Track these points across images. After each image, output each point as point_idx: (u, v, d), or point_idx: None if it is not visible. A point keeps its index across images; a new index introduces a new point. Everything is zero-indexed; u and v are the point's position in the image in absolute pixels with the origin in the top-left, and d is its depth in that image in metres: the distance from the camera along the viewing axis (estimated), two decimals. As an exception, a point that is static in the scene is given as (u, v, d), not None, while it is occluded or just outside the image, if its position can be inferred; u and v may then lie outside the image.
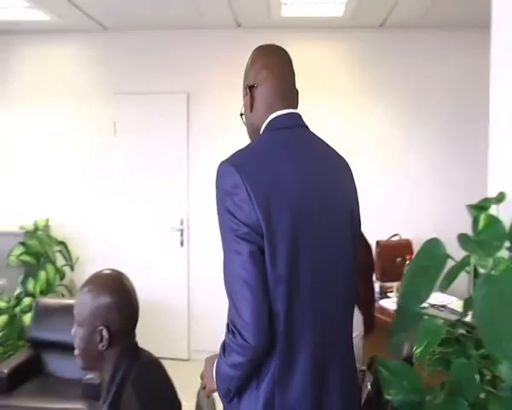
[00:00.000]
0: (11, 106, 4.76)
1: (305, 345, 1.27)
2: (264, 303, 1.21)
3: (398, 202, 4.46)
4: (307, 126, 1.43)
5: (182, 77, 4.55)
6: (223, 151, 4.52)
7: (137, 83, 4.59)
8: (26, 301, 4.08)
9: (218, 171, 1.33)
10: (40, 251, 4.32)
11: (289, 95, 1.41)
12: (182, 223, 4.54)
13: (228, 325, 1.27)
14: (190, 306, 4.52)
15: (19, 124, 4.75)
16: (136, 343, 1.49)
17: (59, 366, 3.24)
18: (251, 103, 1.41)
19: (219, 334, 3.53)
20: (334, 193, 1.36)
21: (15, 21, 4.40)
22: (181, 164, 4.53)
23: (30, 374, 3.17)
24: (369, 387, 1.80)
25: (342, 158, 1.48)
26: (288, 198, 1.25)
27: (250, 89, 1.40)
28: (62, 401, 2.82)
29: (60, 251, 4.49)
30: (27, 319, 3.90)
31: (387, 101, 4.49)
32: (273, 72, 1.39)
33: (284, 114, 1.37)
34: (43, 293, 4.17)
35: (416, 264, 1.43)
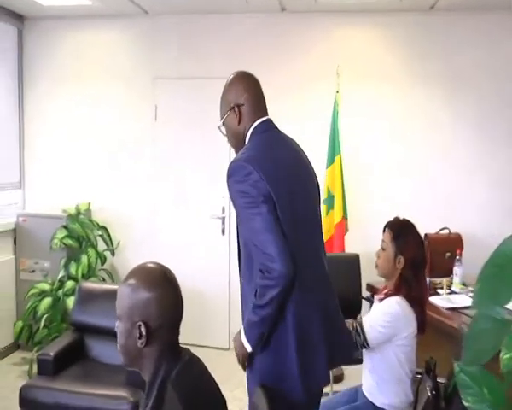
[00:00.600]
0: (54, 91, 4.79)
1: (308, 274, 1.78)
2: (285, 241, 1.68)
3: (447, 194, 4.30)
4: (276, 128, 1.96)
5: (224, 62, 4.46)
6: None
7: (178, 68, 4.55)
8: (69, 284, 4.14)
9: (231, 167, 1.77)
10: (82, 235, 4.36)
11: (263, 107, 1.93)
12: (223, 211, 4.49)
13: (260, 271, 1.68)
14: (231, 295, 4.48)
15: (62, 108, 4.78)
16: (177, 342, 1.42)
17: (102, 351, 3.27)
18: (239, 118, 1.87)
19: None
20: (308, 170, 1.97)
21: (58, 6, 4.42)
22: (223, 150, 4.45)
23: (74, 358, 3.21)
24: (429, 393, 1.71)
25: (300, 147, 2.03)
26: (285, 174, 1.80)
27: (238, 107, 1.86)
28: (105, 388, 2.83)
29: (101, 235, 4.52)
30: (70, 302, 3.96)
31: (433, 87, 4.30)
32: (251, 93, 1.89)
33: (263, 121, 1.90)
34: (85, 277, 4.21)
35: (492, 265, 1.32)
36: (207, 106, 4.43)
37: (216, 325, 4.45)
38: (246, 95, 1.88)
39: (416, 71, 4.29)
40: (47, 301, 4.08)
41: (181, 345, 1.43)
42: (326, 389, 3.58)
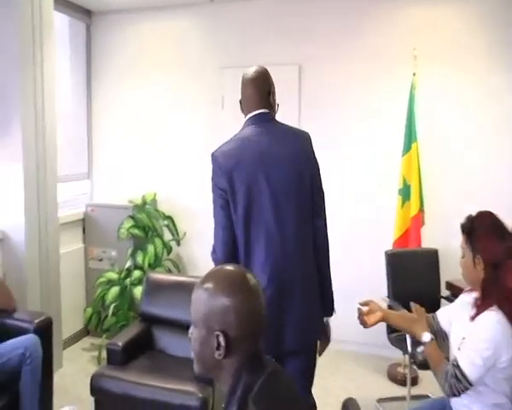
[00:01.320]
0: (120, 84, 4.81)
1: (258, 256, 2.03)
2: (229, 234, 2.06)
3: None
4: (272, 119, 2.18)
5: (293, 48, 4.30)
6: (335, 124, 4.28)
7: (245, 56, 4.41)
8: (136, 273, 4.14)
9: (211, 157, 2.14)
10: (148, 225, 4.35)
11: (261, 101, 2.14)
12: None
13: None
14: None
15: (128, 101, 4.79)
16: (260, 354, 1.26)
17: (170, 343, 3.22)
18: (241, 107, 2.23)
19: (338, 321, 3.31)
20: (285, 159, 2.06)
21: (125, 0, 4.42)
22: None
23: (142, 348, 3.18)
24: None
25: (300, 134, 2.21)
26: (245, 170, 2.03)
27: (242, 98, 2.20)
28: (174, 382, 2.76)
29: (167, 226, 4.50)
30: (137, 291, 3.97)
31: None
32: (251, 88, 2.17)
33: (256, 114, 2.14)
34: (152, 266, 4.20)
35: None
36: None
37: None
38: (246, 90, 2.19)
39: (498, 55, 3.92)
40: (114, 289, 4.11)
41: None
42: (403, 392, 3.41)
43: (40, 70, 3.62)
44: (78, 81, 4.84)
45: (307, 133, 2.22)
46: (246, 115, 2.19)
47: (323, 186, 2.19)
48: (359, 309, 2.15)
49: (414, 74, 3.83)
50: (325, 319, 2.22)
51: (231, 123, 4.43)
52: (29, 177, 3.56)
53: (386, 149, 4.13)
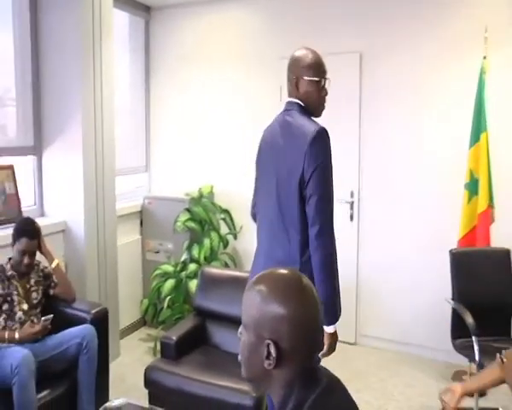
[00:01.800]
0: (178, 77, 4.82)
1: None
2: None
3: None
4: (289, 110, 2.17)
5: (354, 36, 4.13)
6: (397, 113, 4.07)
7: (303, 45, 4.27)
8: (191, 266, 4.14)
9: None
10: (205, 218, 4.33)
11: (288, 89, 2.20)
12: (352, 195, 4.18)
13: None
14: (359, 286, 4.19)
15: (185, 94, 4.79)
16: (314, 366, 1.15)
17: (224, 339, 3.18)
18: None
19: (389, 320, 3.13)
20: (280, 153, 2.13)
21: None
22: (352, 130, 4.15)
23: (196, 343, 3.16)
24: None
25: (303, 131, 2.06)
26: (262, 149, 2.30)
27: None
28: (228, 379, 2.70)
29: (223, 219, 4.47)
30: (192, 284, 3.95)
31: None
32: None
33: (286, 101, 2.21)
34: (207, 260, 4.18)
35: None
36: (335, 84, 4.14)
37: (342, 317, 4.19)
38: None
39: None
40: (170, 282, 4.13)
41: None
42: (470, 404, 3.19)
43: (99, 66, 3.68)
44: (137, 76, 4.90)
45: (313, 133, 2.01)
46: None
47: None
48: (443, 402, 1.93)
49: (484, 58, 3.57)
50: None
51: (289, 115, 4.36)
52: (88, 170, 3.63)
53: (452, 140, 3.88)
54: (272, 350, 1.09)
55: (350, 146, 4.17)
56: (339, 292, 2.14)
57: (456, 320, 3.18)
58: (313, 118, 2.14)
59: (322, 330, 1.14)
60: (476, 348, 2.73)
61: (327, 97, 2.19)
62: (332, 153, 2.07)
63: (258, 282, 1.16)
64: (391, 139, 4.04)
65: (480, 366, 2.81)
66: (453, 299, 3.27)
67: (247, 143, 4.56)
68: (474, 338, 2.83)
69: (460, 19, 3.82)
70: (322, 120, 4.22)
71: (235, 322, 3.01)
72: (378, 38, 4.06)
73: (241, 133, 4.59)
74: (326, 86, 2.15)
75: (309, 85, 2.10)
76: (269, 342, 1.09)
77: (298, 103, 2.12)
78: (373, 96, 4.10)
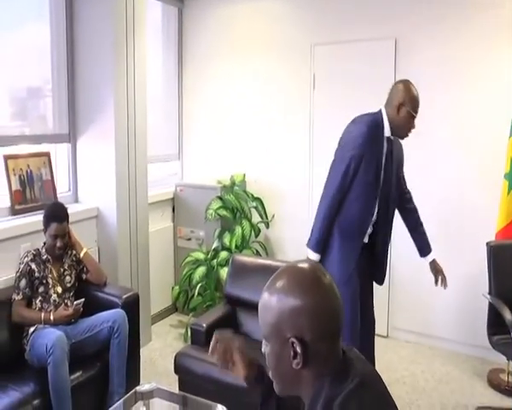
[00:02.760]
0: (210, 65, 4.80)
1: None
2: None
3: None
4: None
5: (389, 22, 4.01)
6: (432, 100, 3.93)
7: (337, 32, 4.20)
8: (223, 254, 4.14)
9: None
10: (236, 206, 4.32)
11: (388, 109, 2.76)
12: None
13: None
14: (391, 278, 4.11)
15: (218, 82, 4.77)
16: (342, 358, 1.10)
17: (254, 327, 3.15)
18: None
19: (421, 313, 3.06)
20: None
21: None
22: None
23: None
24: None
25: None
26: None
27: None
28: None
29: (255, 207, 4.45)
30: (223, 272, 3.96)
31: None
32: None
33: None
34: (239, 248, 4.18)
35: None
36: (370, 71, 4.07)
37: (375, 310, 4.15)
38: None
39: None
40: (201, 269, 4.14)
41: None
42: (507, 403, 3.10)
43: (132, 56, 3.71)
44: (170, 65, 4.91)
45: (348, 130, 2.80)
46: None
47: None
48: None
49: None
50: None
51: (323, 103, 4.30)
52: (120, 157, 3.67)
53: (492, 129, 3.73)
54: (297, 347, 1.05)
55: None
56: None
57: (493, 316, 3.08)
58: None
59: (342, 318, 1.10)
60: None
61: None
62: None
63: (269, 284, 1.12)
64: (427, 127, 3.91)
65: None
66: (490, 293, 3.16)
67: (279, 132, 4.53)
68: (513, 335, 2.73)
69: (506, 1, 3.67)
70: (359, 108, 4.17)
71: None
72: (414, 23, 3.92)
73: (273, 122, 4.55)
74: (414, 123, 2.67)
75: (407, 115, 2.63)
76: (292, 340, 1.05)
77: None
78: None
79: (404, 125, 2.65)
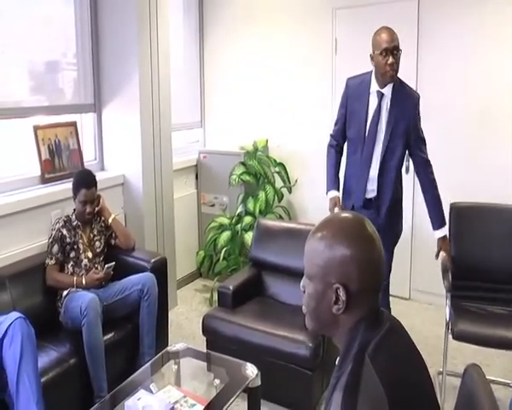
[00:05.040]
0: (232, 32, 4.75)
1: None
2: None
3: None
4: None
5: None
6: (457, 62, 3.83)
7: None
8: (247, 219, 4.19)
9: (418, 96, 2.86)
10: (259, 171, 4.35)
11: None
12: (407, 149, 4.06)
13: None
14: (413, 240, 4.11)
15: (238, 49, 4.72)
16: (378, 308, 1.15)
17: (280, 290, 3.22)
18: None
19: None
20: None
21: None
22: (409, 81, 3.95)
23: (252, 294, 3.22)
24: None
25: None
26: None
27: None
28: (283, 328, 2.76)
29: (278, 172, 4.46)
30: (248, 236, 4.01)
31: None
32: None
33: None
34: (262, 213, 4.21)
35: None
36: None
37: (395, 271, 4.15)
38: None
39: None
40: (226, 234, 4.20)
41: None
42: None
43: (155, 26, 3.71)
44: (191, 33, 4.88)
45: None
46: None
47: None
48: None
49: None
50: None
51: (345, 68, 4.22)
52: (145, 126, 3.70)
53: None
54: (341, 293, 1.08)
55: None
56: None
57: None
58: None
59: (383, 270, 1.15)
60: None
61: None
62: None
63: (319, 230, 1.15)
64: (451, 95, 3.85)
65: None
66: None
67: (301, 98, 4.49)
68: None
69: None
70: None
71: (290, 273, 3.07)
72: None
73: (294, 87, 4.51)
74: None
75: (379, 58, 2.67)
76: (338, 286, 1.09)
77: None
78: (431, 45, 3.89)
79: (380, 69, 2.65)
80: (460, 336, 2.71)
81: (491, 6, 3.66)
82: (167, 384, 2.30)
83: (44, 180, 3.30)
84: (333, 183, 2.91)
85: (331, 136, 3.01)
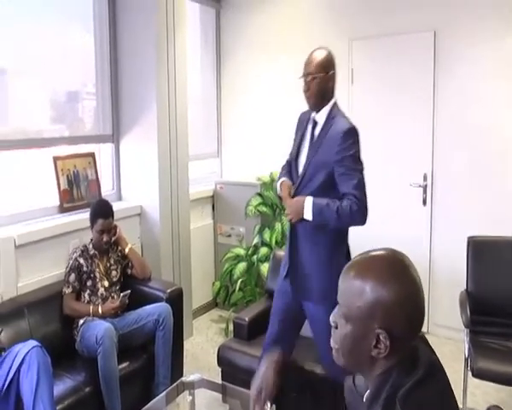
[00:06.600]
0: (249, 63, 4.84)
1: None
2: None
3: None
4: None
5: (428, 13, 3.96)
6: (476, 97, 3.85)
7: (375, 25, 4.17)
8: (263, 250, 4.18)
9: (353, 129, 2.37)
10: (275, 202, 4.35)
11: None
12: (425, 178, 4.04)
13: (357, 201, 2.27)
14: (431, 273, 4.06)
15: (255, 80, 4.80)
16: (416, 351, 1.07)
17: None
18: (333, 85, 2.54)
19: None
20: None
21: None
22: (425, 112, 4.00)
23: (267, 325, 3.17)
24: None
25: None
26: None
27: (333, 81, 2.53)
28: (299, 362, 2.71)
29: (294, 203, 4.46)
30: (264, 268, 4.00)
31: None
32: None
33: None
34: (279, 244, 4.20)
35: None
36: (408, 64, 4.02)
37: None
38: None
39: None
40: (242, 265, 4.19)
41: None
42: None
43: (173, 57, 3.80)
44: (209, 65, 4.99)
45: None
46: (331, 99, 2.51)
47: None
48: None
49: None
50: None
51: (362, 98, 4.28)
52: (162, 156, 3.76)
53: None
54: (385, 339, 1.02)
55: (423, 128, 4.02)
56: None
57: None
58: None
59: (424, 311, 1.09)
60: None
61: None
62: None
63: (357, 269, 1.08)
64: (468, 121, 3.85)
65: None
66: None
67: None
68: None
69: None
70: (397, 102, 4.03)
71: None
72: (454, 14, 3.85)
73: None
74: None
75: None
76: (381, 331, 1.02)
77: None
78: (448, 76, 3.91)
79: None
80: (480, 375, 2.64)
81: (509, 34, 3.68)
82: (182, 415, 2.27)
83: (63, 210, 3.36)
84: (284, 175, 2.63)
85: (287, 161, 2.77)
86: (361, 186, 2.30)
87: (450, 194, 3.95)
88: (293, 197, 2.43)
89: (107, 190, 3.81)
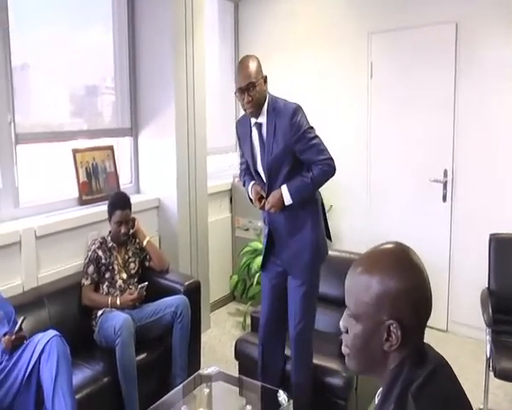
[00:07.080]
0: (267, 57, 4.69)
1: None
2: None
3: None
4: None
5: (449, 4, 3.88)
6: (498, 91, 3.77)
7: (394, 18, 4.10)
8: (280, 245, 4.15)
9: (298, 107, 2.54)
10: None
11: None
12: (445, 174, 3.97)
13: (323, 164, 2.54)
14: (451, 271, 4.01)
15: (274, 74, 4.75)
16: (423, 344, 1.08)
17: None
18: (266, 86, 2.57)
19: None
20: None
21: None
22: (446, 106, 3.93)
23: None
24: None
25: None
26: None
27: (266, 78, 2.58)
28: (317, 357, 2.68)
29: (312, 198, 4.44)
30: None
31: None
32: None
33: None
34: (296, 238, 4.18)
35: None
36: (428, 57, 3.96)
37: (434, 302, 4.06)
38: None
39: None
40: (259, 259, 4.16)
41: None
42: None
43: (191, 51, 3.80)
44: (227, 58, 4.98)
45: None
46: (266, 97, 2.56)
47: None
48: None
49: None
50: None
51: (381, 92, 4.24)
52: (180, 150, 3.77)
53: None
54: (396, 330, 1.02)
55: (444, 123, 3.95)
56: None
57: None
58: None
59: (431, 302, 1.09)
60: None
61: None
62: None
63: (363, 264, 1.09)
64: (491, 116, 3.77)
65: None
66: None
67: (335, 122, 4.49)
68: None
69: None
70: (417, 96, 3.97)
71: (324, 301, 3.01)
72: (476, 6, 3.77)
73: (329, 112, 4.52)
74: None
75: (238, 95, 2.55)
76: (391, 322, 1.02)
77: None
78: (469, 68, 3.83)
79: (242, 106, 2.56)
80: (502, 375, 2.60)
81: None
82: (199, 407, 2.29)
83: (82, 202, 3.39)
84: (250, 179, 2.73)
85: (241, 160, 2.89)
86: (322, 148, 2.52)
87: (472, 190, 3.88)
88: (266, 197, 2.59)
89: (125, 183, 3.84)
